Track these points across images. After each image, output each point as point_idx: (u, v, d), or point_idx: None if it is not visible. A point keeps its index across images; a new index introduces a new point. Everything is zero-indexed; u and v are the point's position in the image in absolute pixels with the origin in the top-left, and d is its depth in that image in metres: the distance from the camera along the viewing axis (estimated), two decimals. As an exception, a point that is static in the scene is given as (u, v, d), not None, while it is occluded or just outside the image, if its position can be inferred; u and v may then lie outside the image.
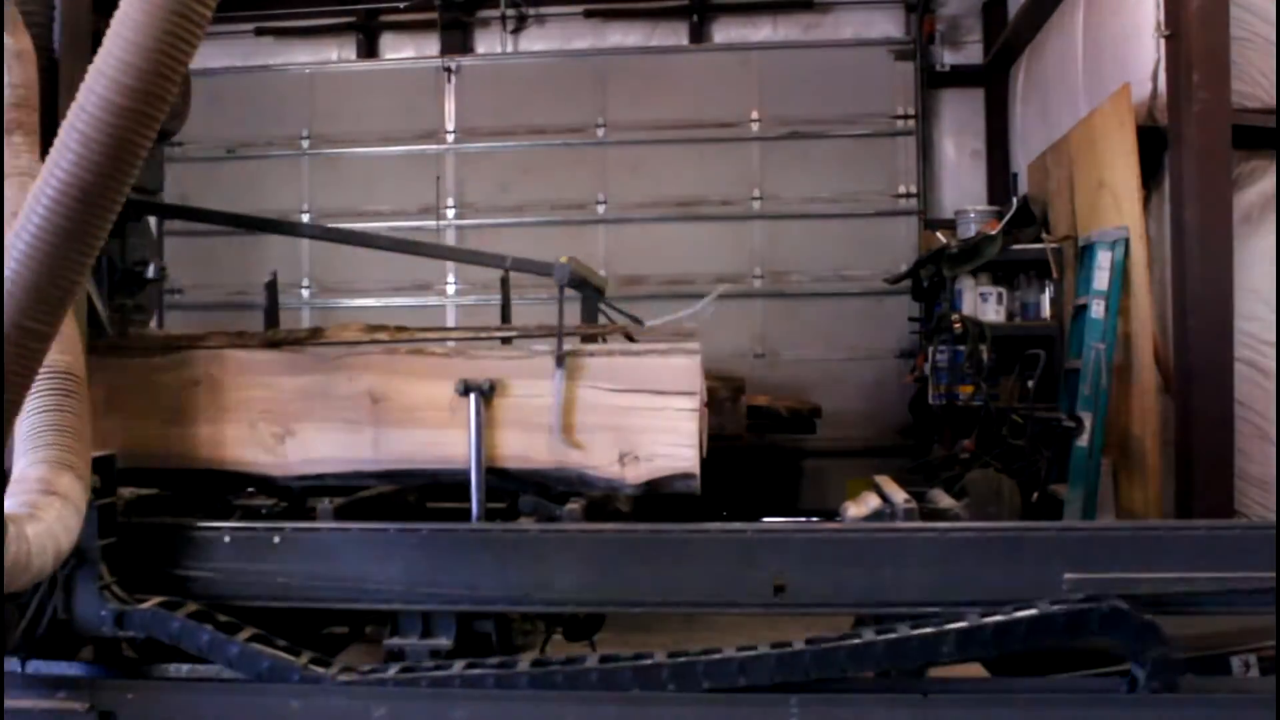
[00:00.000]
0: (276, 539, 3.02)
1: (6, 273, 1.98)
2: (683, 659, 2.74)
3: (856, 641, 2.71)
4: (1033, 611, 2.68)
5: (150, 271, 3.81)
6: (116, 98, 1.90)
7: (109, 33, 1.90)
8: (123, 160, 1.95)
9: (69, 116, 1.95)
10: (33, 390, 2.42)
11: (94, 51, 1.95)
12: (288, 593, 3.01)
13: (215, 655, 2.84)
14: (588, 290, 3.95)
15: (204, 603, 2.94)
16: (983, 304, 6.72)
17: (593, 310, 4.06)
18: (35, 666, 2.95)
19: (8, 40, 2.72)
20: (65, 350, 2.58)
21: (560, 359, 3.13)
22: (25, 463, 2.45)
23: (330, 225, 9.13)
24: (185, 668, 3.00)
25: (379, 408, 3.23)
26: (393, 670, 2.83)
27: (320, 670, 2.82)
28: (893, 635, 2.70)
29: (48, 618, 2.87)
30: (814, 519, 3.51)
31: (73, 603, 2.89)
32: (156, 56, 1.89)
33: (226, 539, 3.02)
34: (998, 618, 2.68)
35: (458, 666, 2.82)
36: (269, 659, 2.82)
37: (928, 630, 2.70)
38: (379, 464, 3.24)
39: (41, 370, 2.37)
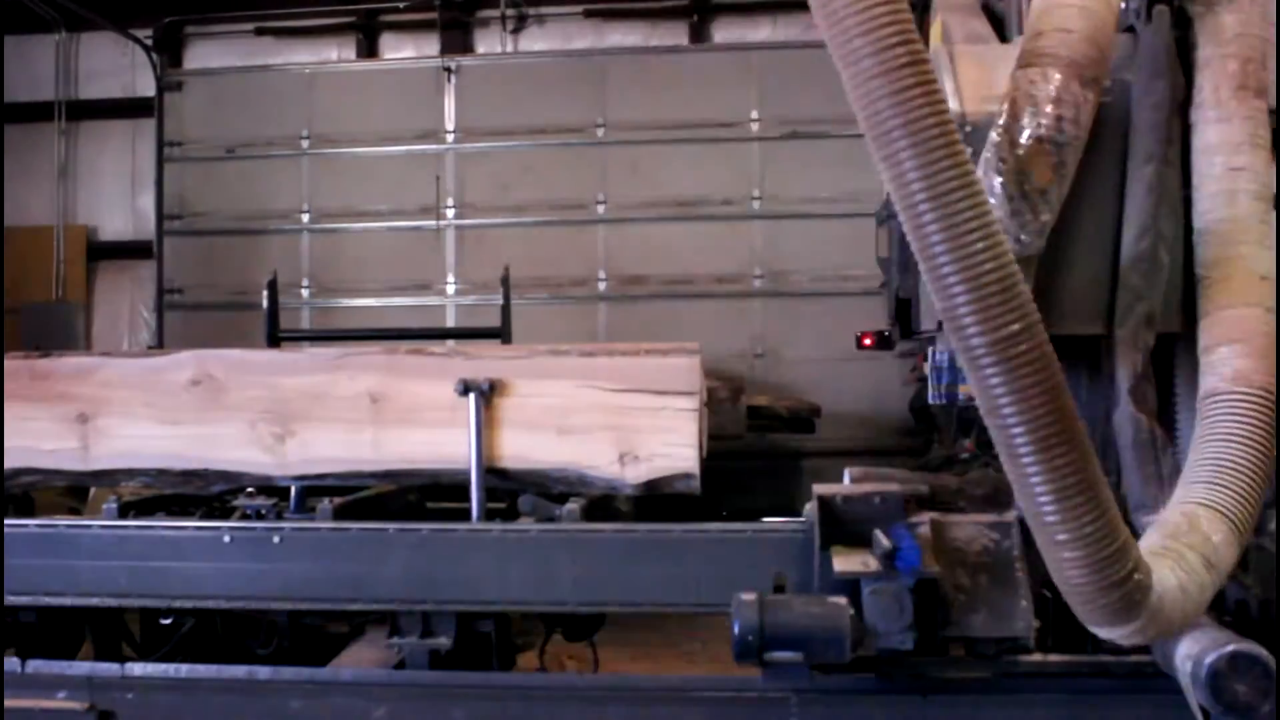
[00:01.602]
0: (276, 539, 3.02)
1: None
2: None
3: None
4: None
5: None
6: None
7: None
8: None
9: None
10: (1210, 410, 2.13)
11: None
12: (288, 593, 3.01)
13: None
14: None
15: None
16: (983, 304, 6.71)
17: None
18: (35, 666, 2.95)
19: None
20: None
21: None
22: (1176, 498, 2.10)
23: (329, 225, 9.17)
24: (185, 668, 3.01)
25: (379, 408, 3.22)
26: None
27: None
28: None
29: None
30: (814, 519, 3.49)
31: None
32: None
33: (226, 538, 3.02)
34: None
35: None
36: None
37: None
38: (379, 464, 3.24)
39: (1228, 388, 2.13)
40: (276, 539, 3.02)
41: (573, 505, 3.12)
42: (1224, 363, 2.16)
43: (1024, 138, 2.09)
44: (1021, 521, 2.53)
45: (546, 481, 3.21)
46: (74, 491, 3.79)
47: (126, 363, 3.42)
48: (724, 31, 9.29)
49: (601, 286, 8.80)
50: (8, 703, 2.83)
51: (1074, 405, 1.69)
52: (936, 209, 1.59)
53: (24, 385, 3.37)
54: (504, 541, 3.00)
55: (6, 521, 3.08)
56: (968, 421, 6.26)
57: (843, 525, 2.64)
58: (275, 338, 6.12)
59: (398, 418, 3.22)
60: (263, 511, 3.28)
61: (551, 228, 8.90)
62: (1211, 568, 1.95)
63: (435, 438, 3.19)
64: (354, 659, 3.34)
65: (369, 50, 9.64)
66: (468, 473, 3.13)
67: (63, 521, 3.18)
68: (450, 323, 8.89)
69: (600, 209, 8.91)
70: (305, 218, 9.23)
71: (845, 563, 2.47)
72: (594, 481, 3.16)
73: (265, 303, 6.20)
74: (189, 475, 3.33)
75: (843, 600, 2.43)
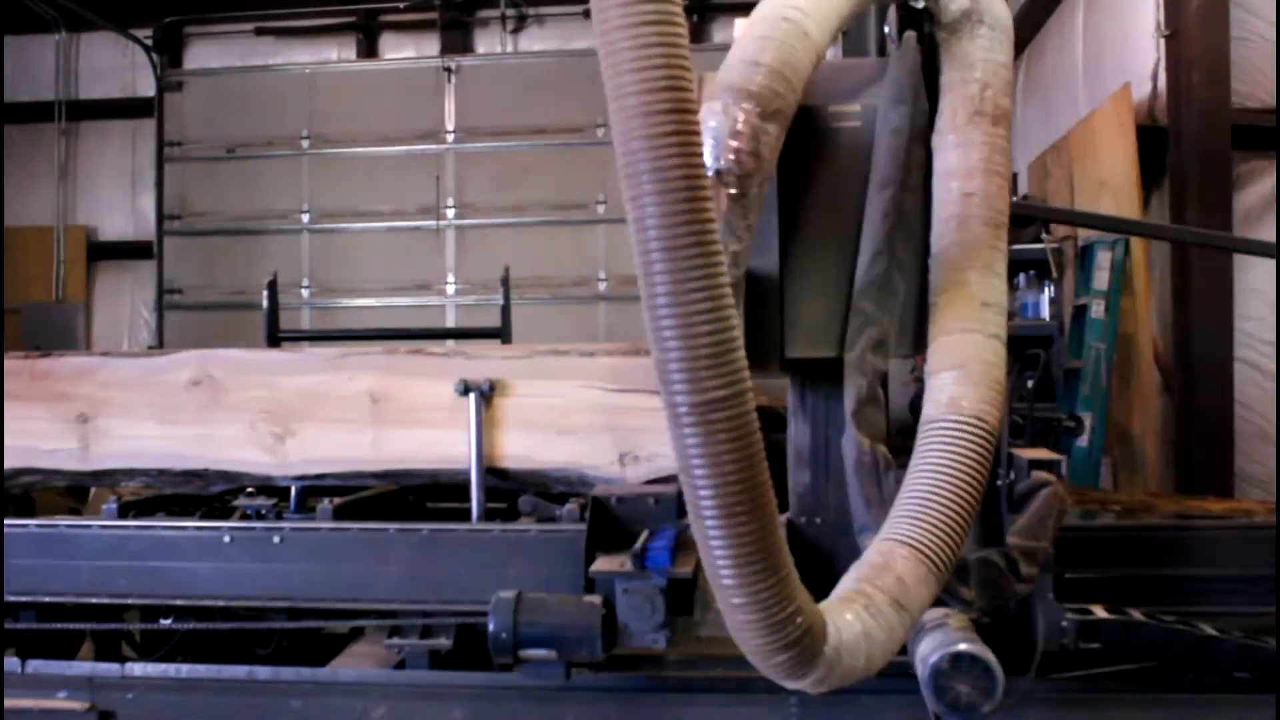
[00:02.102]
0: (276, 539, 3.02)
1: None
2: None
3: None
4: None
5: None
6: None
7: None
8: None
9: None
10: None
11: None
12: (288, 593, 3.01)
13: None
14: None
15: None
16: (983, 304, 6.71)
17: None
18: (35, 666, 2.95)
19: (1002, 13, 2.41)
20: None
21: None
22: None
23: (329, 225, 9.16)
24: (185, 668, 3.01)
25: (379, 408, 3.23)
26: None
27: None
28: None
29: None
30: (814, 519, 3.49)
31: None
32: None
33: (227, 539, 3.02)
34: None
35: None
36: None
37: None
38: (379, 464, 3.24)
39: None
40: (276, 539, 3.02)
41: (573, 505, 3.12)
42: (941, 389, 2.17)
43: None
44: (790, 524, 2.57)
45: (546, 481, 3.21)
46: (74, 491, 3.79)
47: (126, 363, 3.42)
48: (724, 32, 9.28)
49: (601, 286, 8.80)
50: (8, 703, 2.83)
51: (767, 473, 1.70)
52: (667, 261, 1.58)
53: (24, 385, 3.37)
54: (504, 541, 3.00)
55: (6, 521, 3.08)
56: (968, 421, 6.24)
57: (618, 525, 2.68)
58: (275, 338, 6.12)
59: (398, 418, 3.22)
60: (263, 511, 3.28)
61: (551, 228, 8.90)
62: (901, 609, 1.96)
63: (435, 438, 3.19)
64: (354, 659, 3.34)
65: (369, 50, 9.64)
66: (468, 473, 3.13)
67: (63, 521, 3.18)
68: (450, 323, 8.89)
69: (600, 209, 8.91)
70: (305, 218, 9.23)
71: (604, 563, 2.49)
72: (594, 481, 3.16)
73: (265, 303, 6.20)
74: (189, 475, 3.33)
75: (597, 600, 2.45)
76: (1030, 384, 5.87)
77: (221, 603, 3.10)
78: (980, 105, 2.34)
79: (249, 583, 3.02)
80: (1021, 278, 6.84)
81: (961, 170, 2.33)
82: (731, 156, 2.15)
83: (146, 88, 9.62)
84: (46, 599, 3.06)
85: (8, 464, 3.30)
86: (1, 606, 2.97)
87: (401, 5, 9.40)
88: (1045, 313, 6.59)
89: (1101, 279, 5.63)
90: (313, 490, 3.36)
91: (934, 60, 2.44)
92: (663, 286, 1.59)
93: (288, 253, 9.01)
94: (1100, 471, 5.60)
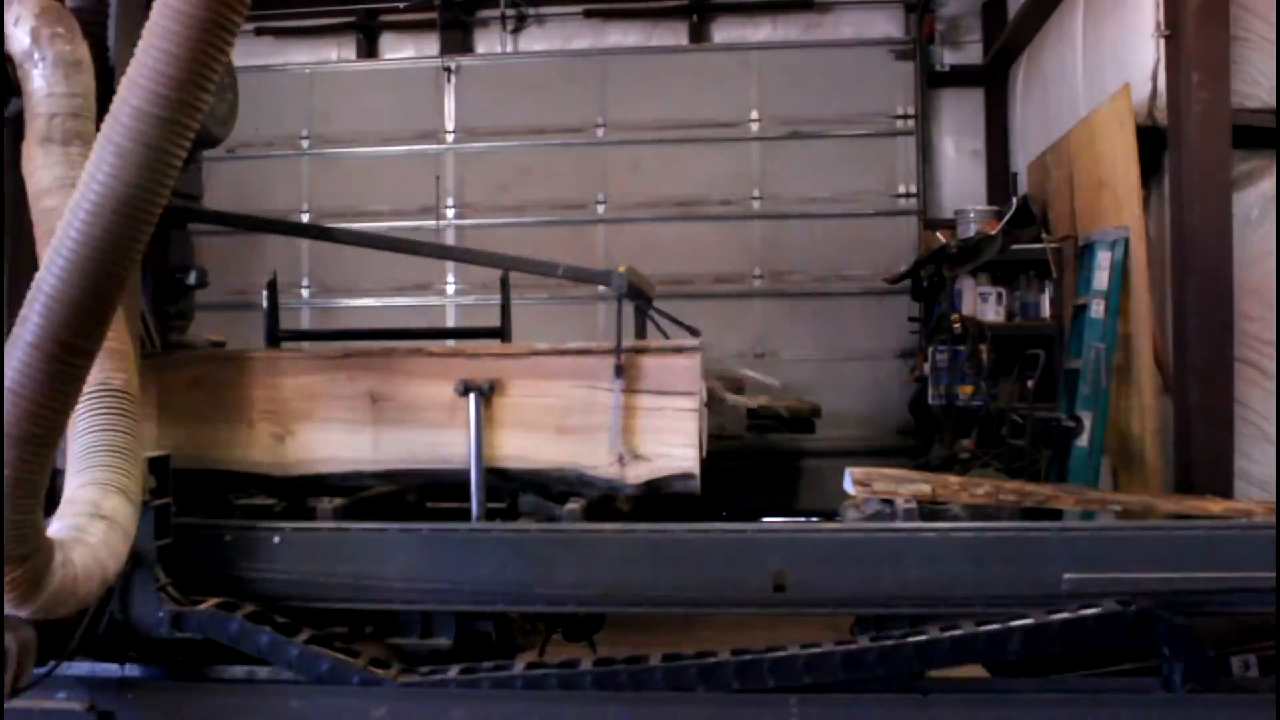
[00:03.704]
0: (277, 539, 3.02)
1: (46, 288, 1.95)
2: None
3: (889, 644, 2.72)
4: (1065, 616, 2.67)
5: (191, 278, 3.80)
6: (150, 107, 1.86)
7: (141, 42, 1.87)
8: (158, 170, 1.92)
9: (104, 127, 1.92)
10: (84, 408, 2.41)
11: None
12: (287, 592, 3.01)
13: (275, 657, 2.82)
14: (640, 299, 3.85)
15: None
16: (982, 304, 6.72)
17: (643, 319, 3.95)
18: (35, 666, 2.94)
19: (66, 49, 2.69)
20: (118, 367, 2.55)
21: (619, 369, 3.12)
22: (76, 484, 2.42)
23: (336, 226, 9.16)
24: (184, 668, 3.00)
25: (379, 408, 3.23)
26: (454, 671, 2.82)
27: (380, 672, 2.83)
28: (923, 638, 2.71)
29: (105, 620, 2.82)
30: (814, 519, 3.50)
31: (130, 604, 2.85)
32: (189, 64, 1.85)
33: (276, 539, 3.02)
34: (1028, 621, 2.69)
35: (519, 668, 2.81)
36: (328, 660, 2.82)
37: (958, 633, 2.71)
38: (379, 464, 3.25)
39: (96, 387, 2.36)
40: (276, 539, 3.02)
41: (573, 505, 3.12)
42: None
43: None
44: None
45: (546, 481, 3.21)
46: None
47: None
48: (724, 31, 9.28)
49: (600, 287, 8.80)
50: (8, 703, 2.82)
51: None
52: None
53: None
54: (504, 541, 3.00)
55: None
56: (968, 421, 6.25)
57: None
58: (275, 338, 6.11)
59: (398, 418, 3.22)
60: (263, 511, 3.28)
61: (551, 227, 8.89)
62: (116, 528, 2.38)
63: (435, 438, 3.19)
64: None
65: (369, 50, 9.63)
66: (468, 473, 3.13)
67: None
68: (450, 323, 8.88)
69: (600, 209, 8.91)
70: (305, 218, 9.22)
71: None
72: (594, 481, 3.16)
73: (265, 303, 6.19)
74: (189, 475, 3.33)
75: None
76: (1030, 384, 5.89)
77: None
78: (49, 133, 2.66)
79: (249, 583, 3.02)
80: (1021, 278, 6.84)
81: (40, 191, 2.64)
82: None
83: (146, 88, 9.64)
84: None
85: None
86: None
87: (401, 5, 9.39)
88: (1045, 313, 6.60)
89: (1101, 279, 5.63)
90: (313, 490, 3.37)
91: None
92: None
93: (288, 253, 8.99)
94: (1100, 471, 5.60)
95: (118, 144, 1.89)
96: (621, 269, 3.54)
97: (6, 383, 1.98)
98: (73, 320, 1.97)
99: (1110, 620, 2.68)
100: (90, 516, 2.37)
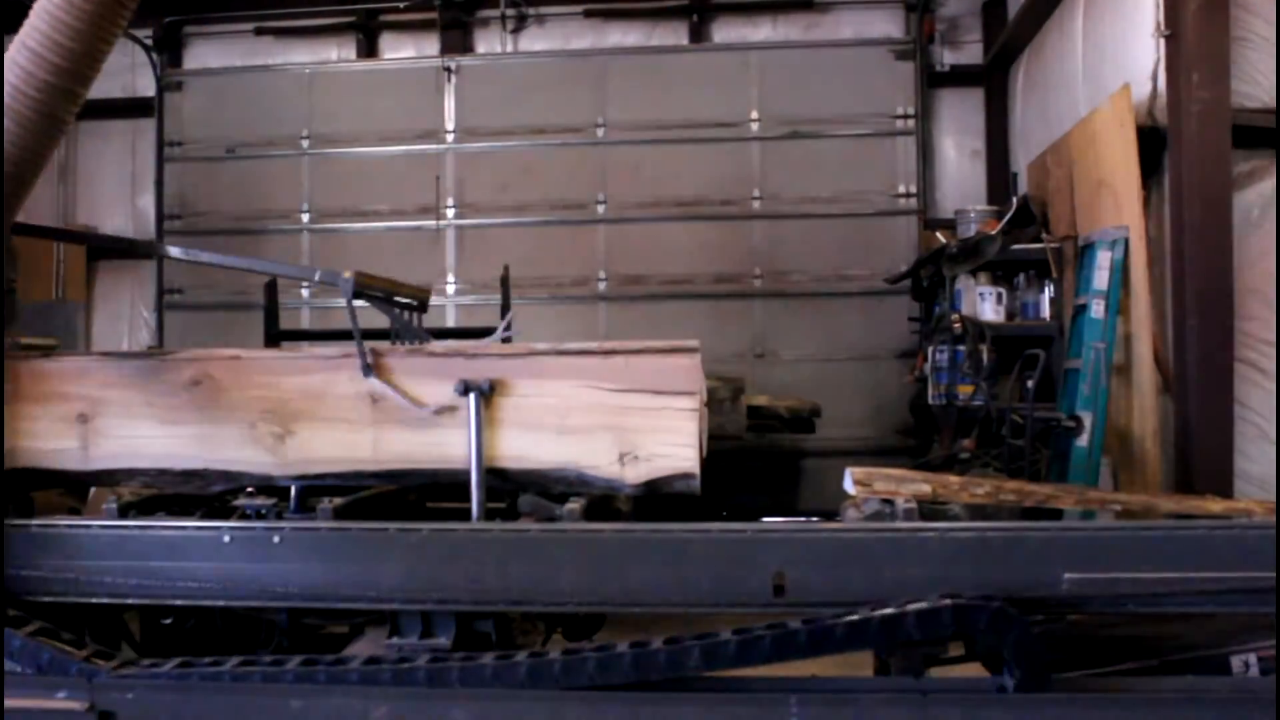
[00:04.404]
0: (276, 539, 3.02)
1: None
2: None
3: (748, 636, 2.75)
4: (922, 605, 2.72)
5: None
6: (42, 73, 1.81)
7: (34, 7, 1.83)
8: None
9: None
10: None
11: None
12: (288, 592, 3.01)
13: None
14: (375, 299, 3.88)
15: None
16: (982, 304, 6.71)
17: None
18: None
19: None
20: None
21: (366, 368, 3.15)
22: None
23: (329, 225, 9.16)
24: (185, 668, 3.00)
25: (379, 408, 3.22)
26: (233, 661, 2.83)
27: (99, 665, 2.86)
28: (783, 630, 2.74)
29: None
30: (814, 519, 3.50)
31: None
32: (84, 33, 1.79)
33: (276, 539, 3.03)
34: (888, 610, 2.72)
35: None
36: (50, 651, 2.85)
37: (824, 623, 2.74)
38: (379, 464, 3.24)
39: None
40: (276, 539, 3.02)
41: (573, 505, 3.12)
42: None
43: None
44: None
45: (546, 481, 3.21)
46: (74, 491, 3.79)
47: (126, 363, 3.42)
48: (724, 31, 9.28)
49: (601, 286, 8.80)
50: (8, 703, 2.83)
51: None
52: None
53: (24, 385, 3.37)
54: (504, 541, 3.00)
55: (7, 521, 3.08)
56: (968, 421, 6.25)
57: None
58: (275, 338, 6.12)
59: (398, 418, 3.22)
60: (263, 511, 3.28)
61: (551, 227, 8.89)
62: None
63: (435, 438, 3.19)
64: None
65: (369, 50, 9.63)
66: (467, 473, 3.13)
67: (63, 521, 3.18)
68: (450, 323, 8.88)
69: (600, 209, 8.91)
70: (305, 218, 9.22)
71: None
72: (594, 481, 3.16)
73: (265, 303, 6.20)
74: (189, 475, 3.33)
75: None
76: (1030, 384, 5.89)
77: (221, 603, 3.10)
78: None
79: (249, 583, 3.02)
80: (1021, 278, 6.84)
81: None
82: None
83: (146, 88, 9.62)
84: (47, 599, 3.07)
85: (8, 464, 3.30)
86: (3, 605, 2.96)
87: (401, 5, 9.39)
88: (1045, 313, 6.60)
89: (1101, 279, 5.63)
90: (313, 490, 3.36)
91: None
92: None
93: (288, 253, 9.00)
94: (1100, 471, 5.60)
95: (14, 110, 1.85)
96: (347, 273, 3.57)
97: None
98: None
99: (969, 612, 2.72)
100: None
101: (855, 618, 2.74)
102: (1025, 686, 2.72)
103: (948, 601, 2.73)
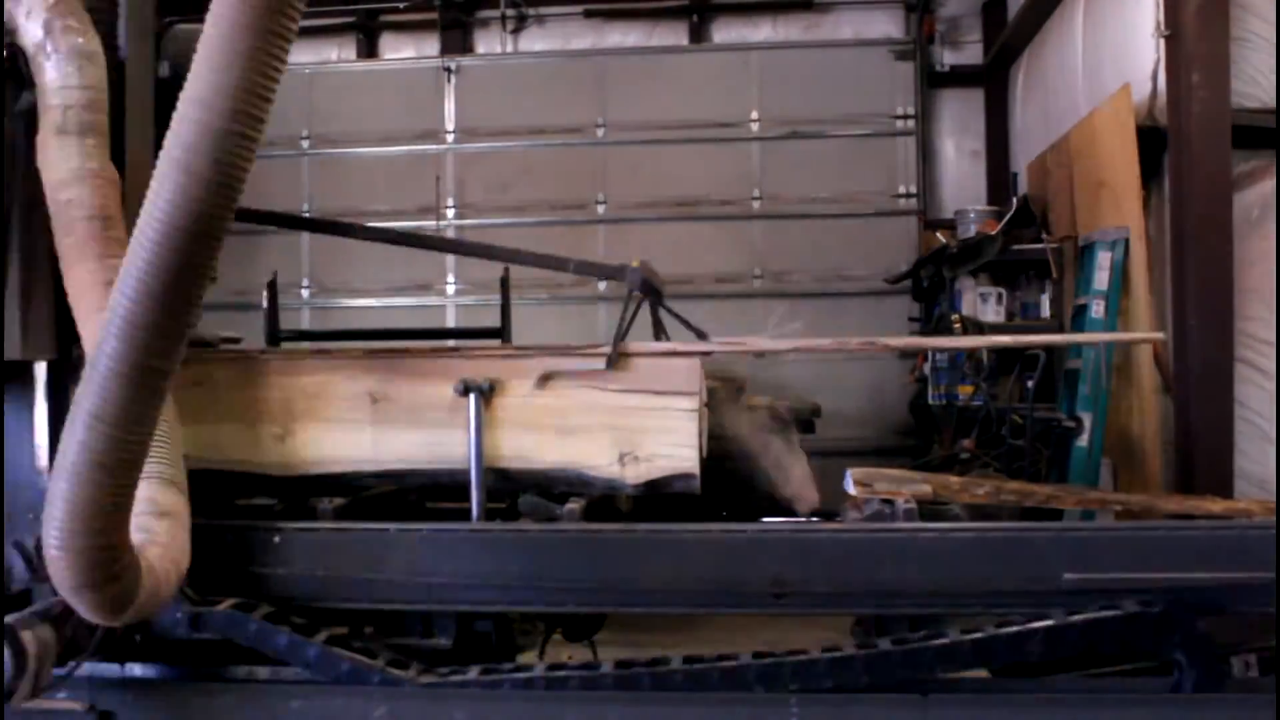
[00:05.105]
0: (276, 539, 3.02)
1: (121, 312, 1.91)
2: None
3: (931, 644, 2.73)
4: (1088, 616, 2.67)
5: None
6: (214, 120, 1.82)
7: (196, 57, 1.83)
8: (227, 187, 1.87)
9: (166, 145, 1.86)
10: None
11: (158, 51, 1.82)
12: (288, 591, 3.01)
13: (293, 658, 2.81)
14: (653, 295, 3.81)
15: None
16: (983, 304, 6.72)
17: (656, 316, 3.91)
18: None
19: (78, 41, 2.68)
20: None
21: (611, 360, 3.12)
22: None
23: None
24: (184, 668, 3.00)
25: (379, 408, 3.22)
26: (473, 672, 2.82)
27: (399, 673, 2.82)
28: (944, 640, 2.72)
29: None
30: (814, 519, 3.50)
31: None
32: (247, 72, 1.79)
33: (276, 539, 3.02)
34: (1049, 623, 2.69)
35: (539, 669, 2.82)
36: (348, 662, 2.81)
37: (978, 635, 2.71)
38: (379, 464, 3.24)
39: None
40: (276, 539, 3.02)
41: (573, 505, 3.12)
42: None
43: None
44: None
45: (546, 481, 3.21)
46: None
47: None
48: (724, 31, 9.28)
49: (601, 286, 8.80)
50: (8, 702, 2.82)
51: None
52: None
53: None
54: (504, 541, 2.99)
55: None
56: (968, 421, 6.26)
57: None
58: (275, 338, 6.11)
59: (398, 418, 3.22)
60: (263, 511, 3.28)
61: (551, 228, 8.89)
62: (178, 522, 2.47)
63: (435, 438, 3.19)
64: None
65: (369, 50, 9.64)
66: (467, 473, 3.13)
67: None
68: (450, 323, 8.88)
69: (600, 209, 8.91)
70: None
71: None
72: (594, 481, 3.16)
73: (265, 303, 6.19)
74: (188, 475, 3.33)
75: None
76: (1030, 384, 5.89)
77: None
78: (64, 124, 2.66)
79: (249, 583, 3.02)
80: (1021, 278, 6.85)
81: (56, 182, 2.65)
82: None
83: (146, 88, 9.64)
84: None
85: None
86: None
87: (401, 5, 9.39)
88: (1045, 313, 6.60)
89: (1101, 279, 5.63)
90: (313, 490, 3.36)
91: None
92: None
93: (288, 253, 9.00)
94: (1100, 471, 5.60)
95: (180, 160, 1.84)
96: (635, 262, 3.52)
97: (92, 410, 1.97)
98: (151, 343, 1.94)
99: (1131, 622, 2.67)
100: (152, 515, 2.39)
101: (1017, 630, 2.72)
102: (1203, 686, 2.70)
103: (1116, 611, 2.70)
